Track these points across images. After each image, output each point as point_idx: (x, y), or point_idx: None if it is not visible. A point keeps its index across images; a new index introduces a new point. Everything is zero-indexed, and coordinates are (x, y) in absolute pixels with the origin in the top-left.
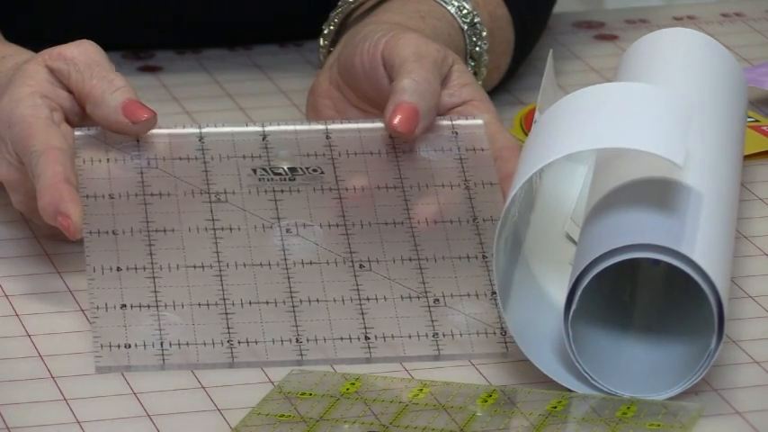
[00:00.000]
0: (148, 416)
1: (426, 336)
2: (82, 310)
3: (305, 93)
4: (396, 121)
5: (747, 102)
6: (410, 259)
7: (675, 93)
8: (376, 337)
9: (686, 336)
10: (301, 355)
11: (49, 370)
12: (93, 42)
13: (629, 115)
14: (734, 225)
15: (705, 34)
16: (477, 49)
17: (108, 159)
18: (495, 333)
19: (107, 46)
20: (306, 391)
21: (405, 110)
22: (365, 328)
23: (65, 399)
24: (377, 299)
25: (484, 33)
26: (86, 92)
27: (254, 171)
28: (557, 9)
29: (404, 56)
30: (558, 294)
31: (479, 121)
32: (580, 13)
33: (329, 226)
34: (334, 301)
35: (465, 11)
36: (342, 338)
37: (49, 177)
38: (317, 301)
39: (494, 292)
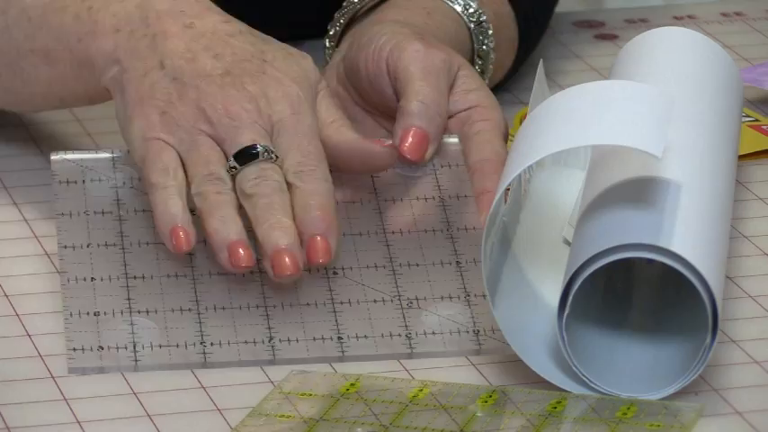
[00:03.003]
0: (148, 416)
1: (399, 335)
2: None
3: None
4: (406, 146)
5: (743, 98)
6: (384, 266)
7: (655, 88)
8: (349, 336)
9: (682, 334)
10: (274, 355)
11: (49, 370)
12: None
13: (607, 112)
14: (726, 219)
15: (700, 33)
16: (485, 47)
17: (84, 180)
18: (468, 332)
19: None
20: (306, 391)
21: (415, 135)
22: (338, 328)
23: (65, 399)
24: (350, 302)
25: (490, 32)
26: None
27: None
28: (557, 9)
29: (410, 72)
30: (554, 296)
31: (454, 139)
32: (580, 13)
33: None
34: (308, 305)
35: (471, 9)
36: (314, 339)
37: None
38: (291, 305)
39: (467, 295)
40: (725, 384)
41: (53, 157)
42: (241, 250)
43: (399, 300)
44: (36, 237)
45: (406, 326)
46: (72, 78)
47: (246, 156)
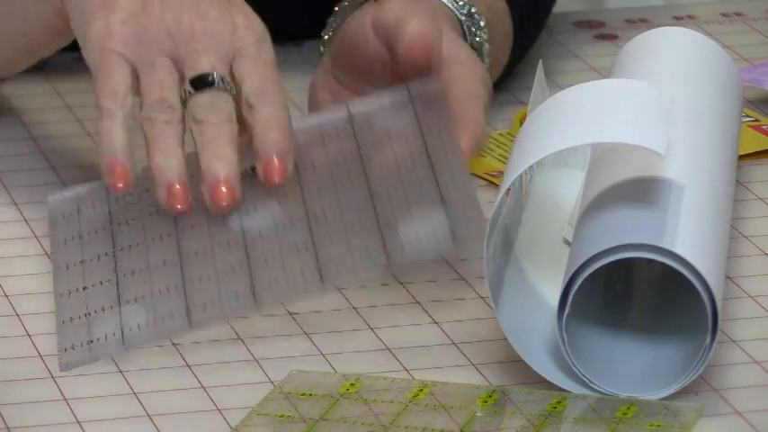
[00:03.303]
0: (148, 416)
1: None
2: None
3: (305, 92)
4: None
5: (742, 98)
6: (364, 202)
7: (655, 87)
8: (327, 261)
9: (682, 334)
10: (255, 299)
11: (48, 370)
12: None
13: (608, 111)
14: (726, 219)
15: (700, 33)
16: (478, 39)
17: (78, 209)
18: (445, 236)
19: None
20: (306, 391)
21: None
22: (317, 261)
23: (65, 399)
24: (331, 238)
25: (482, 23)
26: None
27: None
28: (557, 9)
29: (395, 11)
30: (554, 296)
31: (436, 84)
32: (580, 13)
33: (287, 197)
34: (289, 251)
35: (461, 2)
36: (295, 278)
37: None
38: (273, 257)
39: (443, 201)
40: (725, 384)
41: (50, 197)
42: (179, 191)
43: (378, 222)
44: (36, 237)
45: (383, 243)
46: (31, 3)
47: (202, 83)
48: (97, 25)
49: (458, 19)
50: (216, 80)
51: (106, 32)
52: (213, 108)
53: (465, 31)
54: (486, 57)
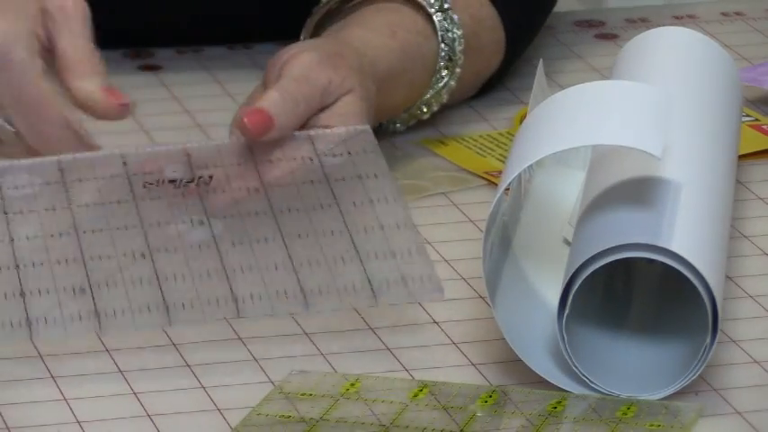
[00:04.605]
0: (148, 416)
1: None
2: None
3: None
4: (246, 118)
5: (741, 97)
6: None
7: (655, 88)
8: (312, 291)
9: (682, 334)
10: (238, 311)
11: (48, 370)
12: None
13: (607, 112)
14: (726, 219)
15: (700, 32)
16: (450, 34)
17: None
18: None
19: (107, 44)
20: (306, 391)
21: (261, 113)
22: (300, 284)
23: (65, 399)
24: (310, 263)
25: (455, 17)
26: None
27: (144, 185)
28: (557, 9)
29: (290, 71)
30: (554, 296)
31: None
32: (580, 13)
33: (224, 218)
34: (268, 268)
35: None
36: (278, 293)
37: None
38: (250, 268)
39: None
40: (725, 384)
41: None
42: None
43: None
44: None
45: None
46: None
47: None
48: None
49: (433, 30)
50: None
51: None
52: None
53: (438, 29)
54: (458, 53)
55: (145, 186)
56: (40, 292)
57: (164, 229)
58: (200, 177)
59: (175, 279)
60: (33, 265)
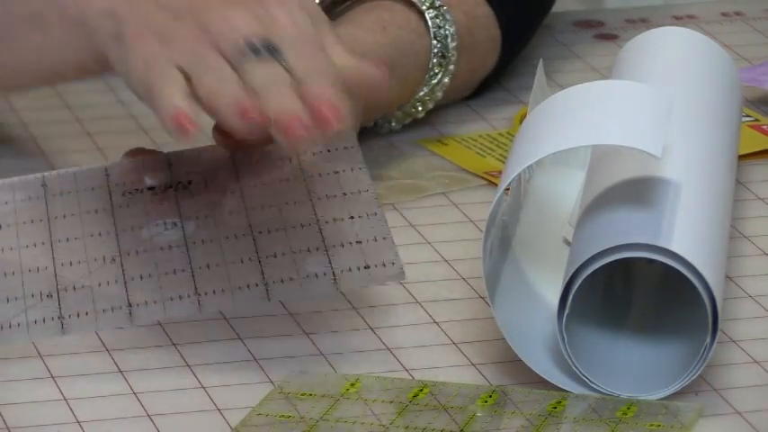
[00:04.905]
0: (148, 416)
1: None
2: None
3: None
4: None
5: (741, 97)
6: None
7: (655, 88)
8: (274, 281)
9: (682, 334)
10: (200, 306)
11: (48, 370)
12: None
13: (607, 112)
14: (726, 219)
15: (700, 32)
16: (442, 30)
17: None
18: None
19: None
20: (306, 391)
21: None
22: (263, 276)
23: (65, 399)
24: (275, 254)
25: (448, 16)
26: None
27: (123, 194)
28: (556, 9)
29: None
30: (553, 296)
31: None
32: (580, 13)
33: (197, 218)
34: (233, 262)
35: None
36: (240, 288)
37: None
38: (217, 265)
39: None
40: (725, 384)
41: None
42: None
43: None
44: None
45: (331, 266)
46: (64, 43)
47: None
48: (138, 51)
49: (426, 27)
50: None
51: (149, 53)
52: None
53: (429, 25)
54: (451, 50)
55: (124, 195)
56: (8, 299)
57: (136, 233)
58: (178, 183)
59: (141, 278)
60: (5, 275)
